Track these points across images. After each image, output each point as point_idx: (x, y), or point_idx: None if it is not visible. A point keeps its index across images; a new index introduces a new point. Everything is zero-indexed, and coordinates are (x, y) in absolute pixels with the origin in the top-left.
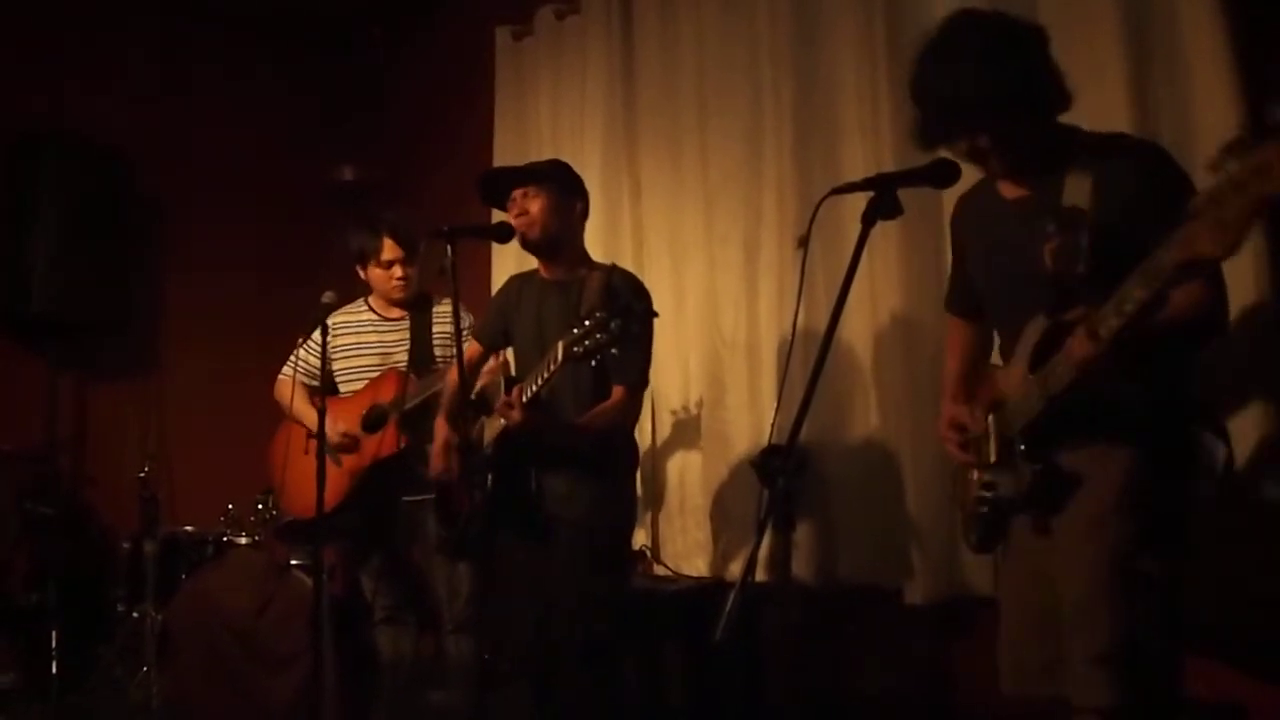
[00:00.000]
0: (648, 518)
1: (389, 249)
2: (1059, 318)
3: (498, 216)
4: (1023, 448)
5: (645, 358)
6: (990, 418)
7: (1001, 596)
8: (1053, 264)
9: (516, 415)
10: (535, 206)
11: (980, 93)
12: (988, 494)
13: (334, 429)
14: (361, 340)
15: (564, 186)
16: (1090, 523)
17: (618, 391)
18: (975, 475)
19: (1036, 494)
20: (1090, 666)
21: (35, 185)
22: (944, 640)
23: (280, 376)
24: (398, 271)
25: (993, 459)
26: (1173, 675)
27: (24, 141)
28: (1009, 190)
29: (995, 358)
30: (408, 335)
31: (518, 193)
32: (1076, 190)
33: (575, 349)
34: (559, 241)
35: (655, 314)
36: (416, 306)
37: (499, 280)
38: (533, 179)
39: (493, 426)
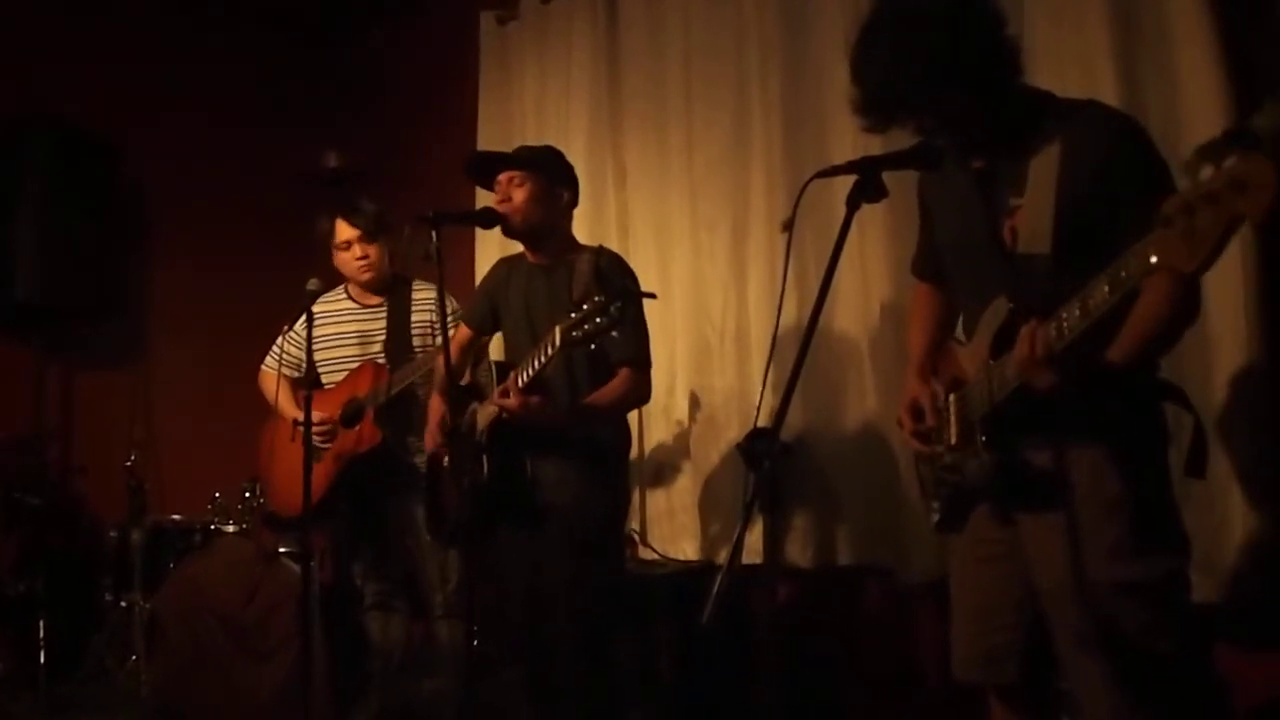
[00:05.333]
0: (635, 502)
1: (341, 230)
2: (1021, 303)
3: (482, 201)
4: (984, 438)
5: (644, 336)
6: (952, 397)
7: (954, 582)
8: (1013, 240)
9: (514, 403)
10: (520, 195)
11: (906, 80)
12: (949, 476)
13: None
14: (342, 330)
15: (551, 176)
16: (1071, 534)
17: (624, 372)
18: (938, 454)
19: (998, 486)
20: (1111, 690)
21: (20, 171)
22: (938, 618)
23: (263, 368)
24: (357, 251)
25: (954, 441)
26: (1203, 673)
27: (9, 127)
28: (970, 158)
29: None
30: (386, 323)
31: (503, 177)
32: (1042, 162)
33: (574, 333)
34: (542, 230)
35: (653, 295)
36: (394, 292)
37: (482, 265)
38: (520, 165)
39: (484, 413)
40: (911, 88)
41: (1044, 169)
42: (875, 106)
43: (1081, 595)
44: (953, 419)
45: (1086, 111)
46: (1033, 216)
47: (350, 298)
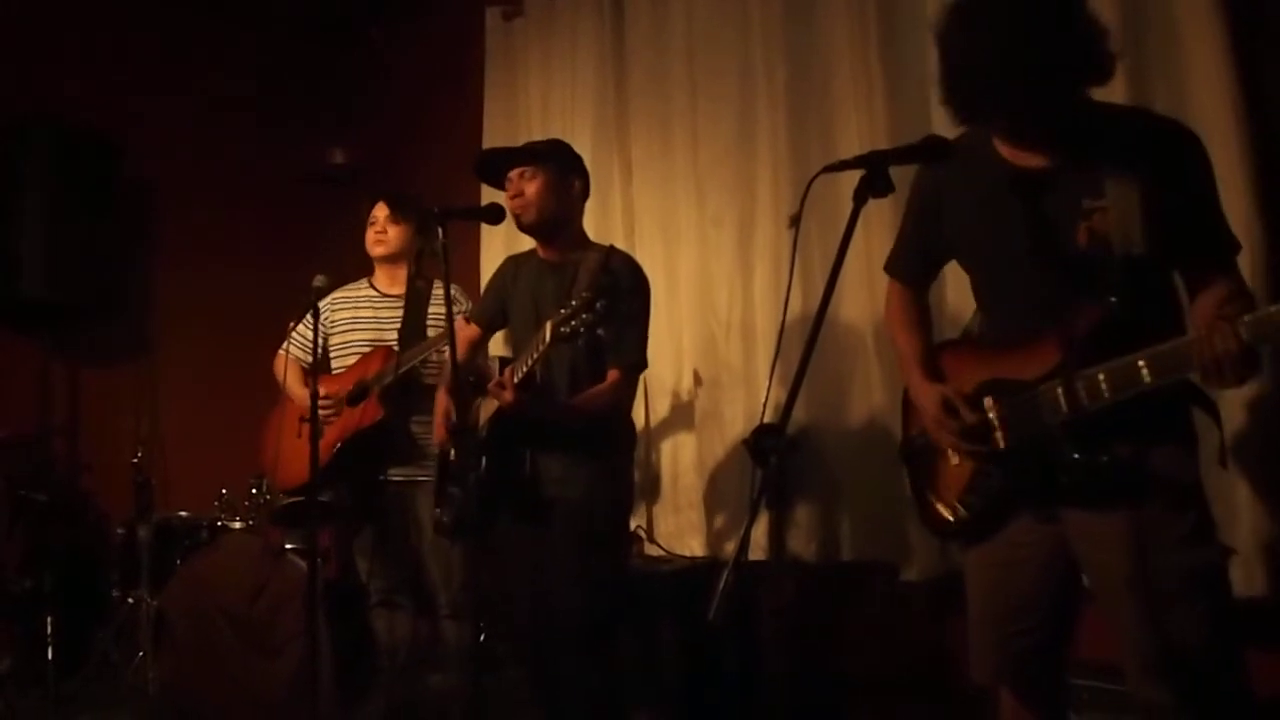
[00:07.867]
0: (643, 498)
1: (378, 208)
2: (1116, 309)
3: (488, 197)
4: (1077, 456)
5: (640, 339)
6: (988, 400)
7: (974, 588)
8: (1090, 242)
9: (508, 396)
10: (532, 188)
11: (1013, 67)
12: (989, 483)
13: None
14: (357, 316)
15: (562, 166)
16: (1140, 526)
17: (612, 374)
18: (956, 462)
19: (1089, 488)
20: (1162, 675)
21: (26, 170)
22: (940, 616)
23: (280, 352)
24: (379, 226)
25: (1002, 445)
26: (1240, 666)
27: (14, 125)
28: (1017, 156)
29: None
30: (403, 313)
31: (514, 173)
32: (1114, 166)
33: (562, 329)
34: (556, 223)
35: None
36: (415, 287)
37: (488, 261)
38: (531, 159)
39: (488, 408)
40: (1019, 77)
41: (1120, 170)
42: (974, 94)
43: (1146, 587)
44: (997, 424)
45: (1144, 121)
46: (1121, 218)
47: (373, 287)
